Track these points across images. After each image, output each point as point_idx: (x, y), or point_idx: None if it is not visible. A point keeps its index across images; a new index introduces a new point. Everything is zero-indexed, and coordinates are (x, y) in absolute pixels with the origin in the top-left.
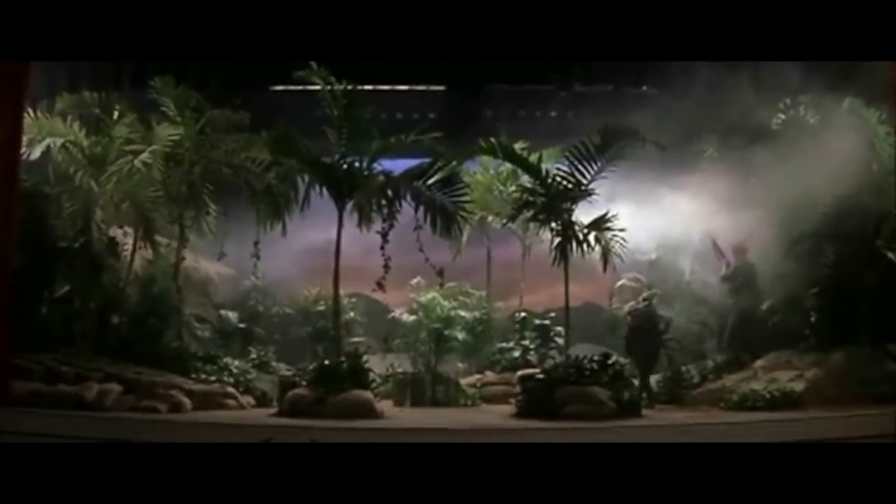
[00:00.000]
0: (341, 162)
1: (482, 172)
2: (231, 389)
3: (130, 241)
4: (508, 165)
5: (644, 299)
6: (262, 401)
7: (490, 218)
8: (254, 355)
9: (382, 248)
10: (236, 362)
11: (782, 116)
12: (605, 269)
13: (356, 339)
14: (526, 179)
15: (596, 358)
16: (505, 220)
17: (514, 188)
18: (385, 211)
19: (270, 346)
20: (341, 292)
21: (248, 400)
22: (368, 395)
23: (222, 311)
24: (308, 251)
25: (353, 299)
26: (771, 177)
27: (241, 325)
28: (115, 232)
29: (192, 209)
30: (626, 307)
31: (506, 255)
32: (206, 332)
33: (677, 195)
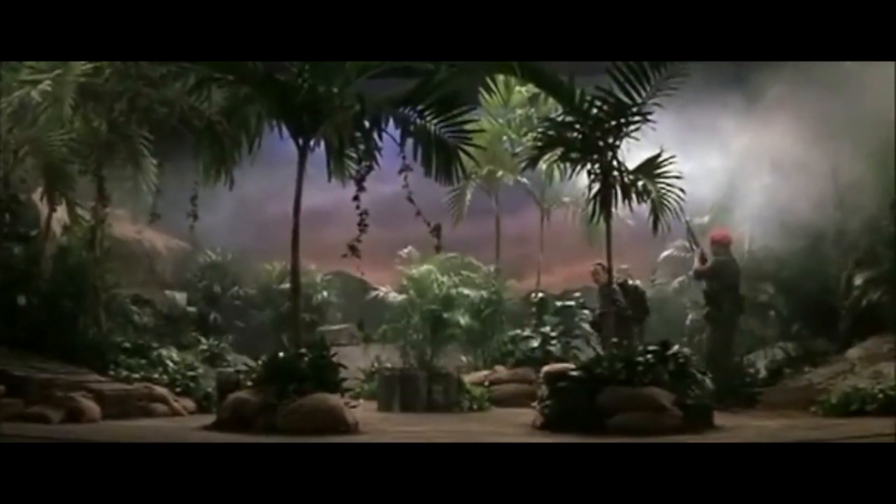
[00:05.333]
0: (302, 83)
1: (489, 120)
2: (162, 390)
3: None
4: (521, 111)
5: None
6: (207, 404)
7: (500, 173)
8: (205, 346)
9: (356, 198)
10: (174, 355)
11: None
12: (655, 230)
13: (335, 327)
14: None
15: (652, 347)
16: (524, 165)
17: (530, 136)
18: (361, 148)
19: (227, 334)
20: (313, 267)
21: (186, 404)
22: (336, 399)
23: (167, 292)
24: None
25: (329, 276)
26: (853, 118)
27: (191, 309)
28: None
29: (118, 158)
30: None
31: (518, 226)
32: (147, 317)
33: (735, 140)
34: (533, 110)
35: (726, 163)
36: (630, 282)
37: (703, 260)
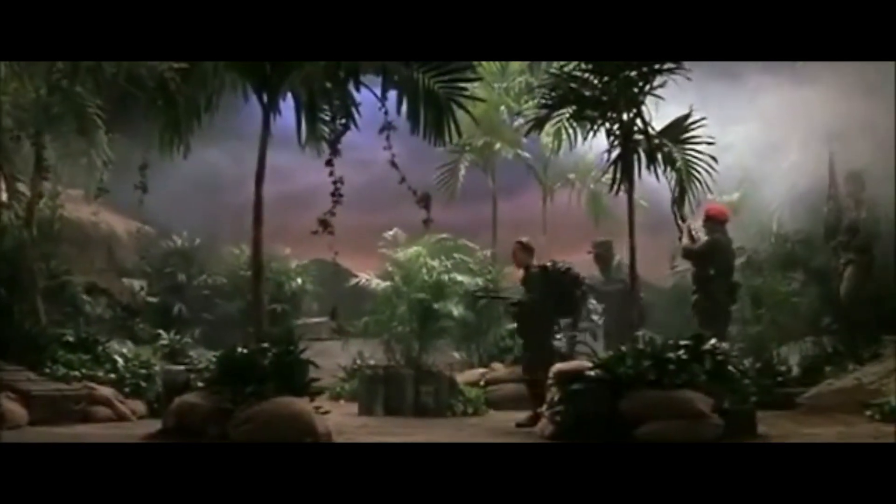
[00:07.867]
0: None
1: (485, 87)
2: (106, 391)
3: None
4: (521, 79)
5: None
6: (159, 407)
7: (497, 146)
8: (165, 340)
9: (330, 162)
10: (126, 350)
11: None
12: (681, 206)
13: (314, 320)
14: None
15: (684, 342)
16: (529, 127)
17: (530, 104)
18: (336, 105)
19: (194, 327)
20: (287, 251)
21: (135, 406)
22: (303, 403)
23: (126, 280)
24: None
25: (304, 262)
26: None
27: (152, 299)
28: None
29: (66, 128)
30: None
31: (517, 207)
32: (101, 308)
33: (767, 104)
34: (533, 78)
35: (758, 131)
36: (558, 266)
37: (691, 236)
